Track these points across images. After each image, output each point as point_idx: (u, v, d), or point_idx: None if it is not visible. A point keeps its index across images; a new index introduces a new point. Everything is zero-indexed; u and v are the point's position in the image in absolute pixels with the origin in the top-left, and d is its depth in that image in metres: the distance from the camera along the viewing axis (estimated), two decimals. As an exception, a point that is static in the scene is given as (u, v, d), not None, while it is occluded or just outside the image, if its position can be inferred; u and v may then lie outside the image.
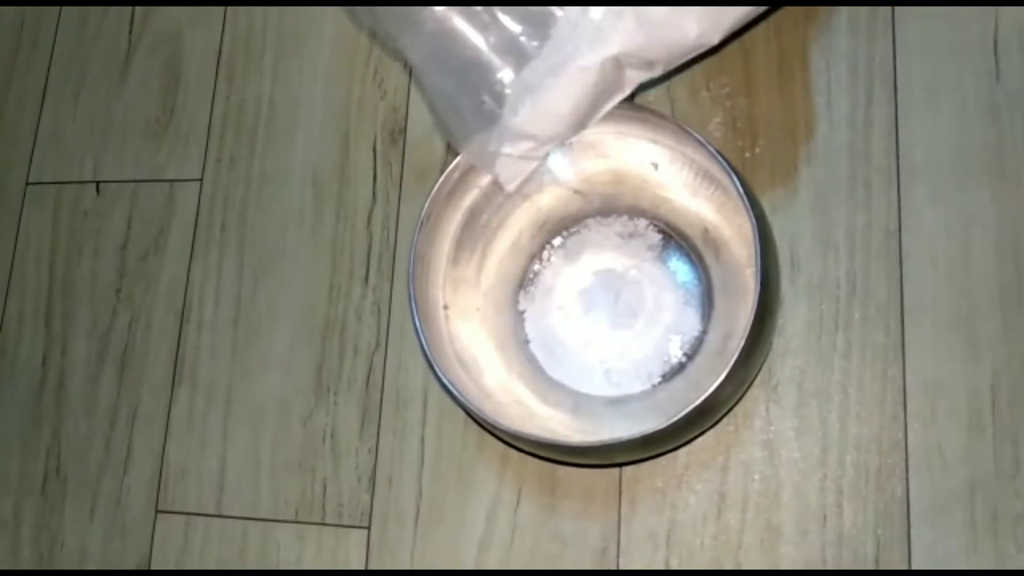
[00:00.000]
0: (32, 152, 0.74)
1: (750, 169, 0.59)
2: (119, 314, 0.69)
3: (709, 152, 0.50)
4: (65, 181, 0.73)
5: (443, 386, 0.53)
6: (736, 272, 0.55)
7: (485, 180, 0.57)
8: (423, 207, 0.55)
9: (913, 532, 0.53)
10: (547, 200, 0.59)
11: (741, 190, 0.49)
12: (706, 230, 0.57)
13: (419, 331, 0.52)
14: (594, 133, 0.56)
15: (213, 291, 0.67)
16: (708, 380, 0.48)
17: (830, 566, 0.53)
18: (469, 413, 0.52)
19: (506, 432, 0.51)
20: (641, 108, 0.52)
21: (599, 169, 0.58)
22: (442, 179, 0.55)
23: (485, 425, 0.52)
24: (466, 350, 0.57)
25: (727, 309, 0.56)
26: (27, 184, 0.73)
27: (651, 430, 0.47)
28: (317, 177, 0.67)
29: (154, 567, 0.63)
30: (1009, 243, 0.55)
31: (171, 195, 0.70)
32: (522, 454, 0.58)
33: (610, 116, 0.54)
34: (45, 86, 0.75)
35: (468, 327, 0.58)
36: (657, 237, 0.59)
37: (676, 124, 0.51)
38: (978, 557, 0.52)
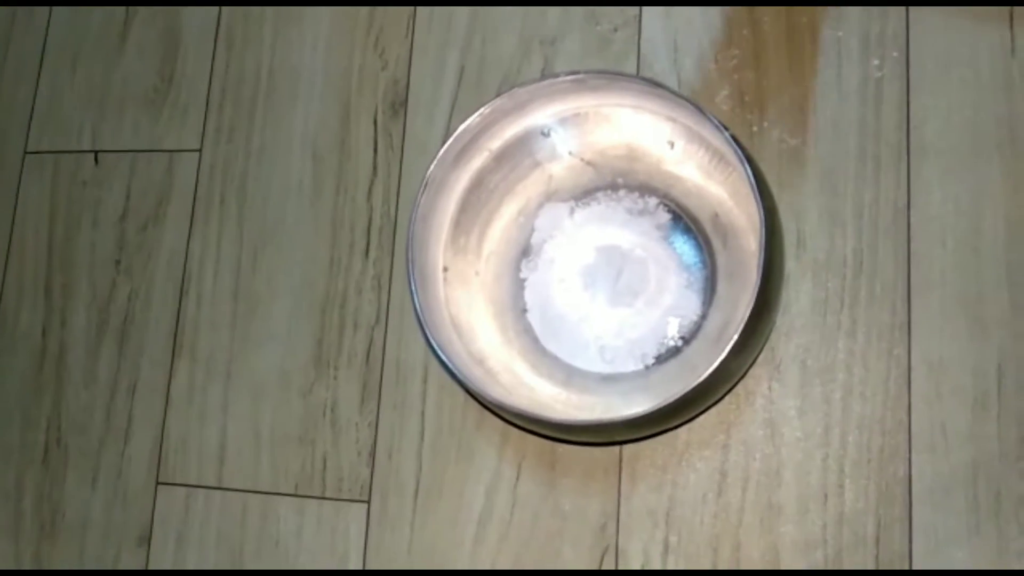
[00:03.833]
0: (30, 121, 0.73)
1: (757, 143, 0.58)
2: (119, 286, 0.68)
3: (725, 138, 0.49)
4: (63, 150, 0.72)
5: (432, 350, 0.52)
6: (742, 260, 0.54)
7: (496, 144, 0.56)
8: (428, 169, 0.54)
9: (915, 512, 0.53)
10: (558, 169, 0.58)
11: (753, 180, 0.48)
12: (716, 215, 0.56)
13: (414, 293, 0.52)
14: (611, 105, 0.55)
15: (213, 263, 0.67)
16: (702, 366, 0.47)
17: (830, 545, 0.53)
18: (456, 378, 0.51)
19: (492, 402, 0.50)
20: (660, 85, 0.51)
21: (614, 142, 0.57)
22: (450, 141, 0.54)
23: (472, 392, 0.52)
24: (462, 314, 0.56)
25: (729, 296, 0.55)
26: (25, 153, 0.73)
27: (636, 414, 0.47)
28: (317, 149, 0.66)
29: (155, 538, 0.64)
30: (1020, 221, 0.54)
31: (170, 166, 0.69)
32: (522, 430, 0.58)
33: (629, 90, 0.53)
34: (42, 54, 0.74)
35: (466, 291, 0.57)
36: (666, 217, 0.58)
37: (695, 105, 0.50)
38: (980, 538, 0.52)
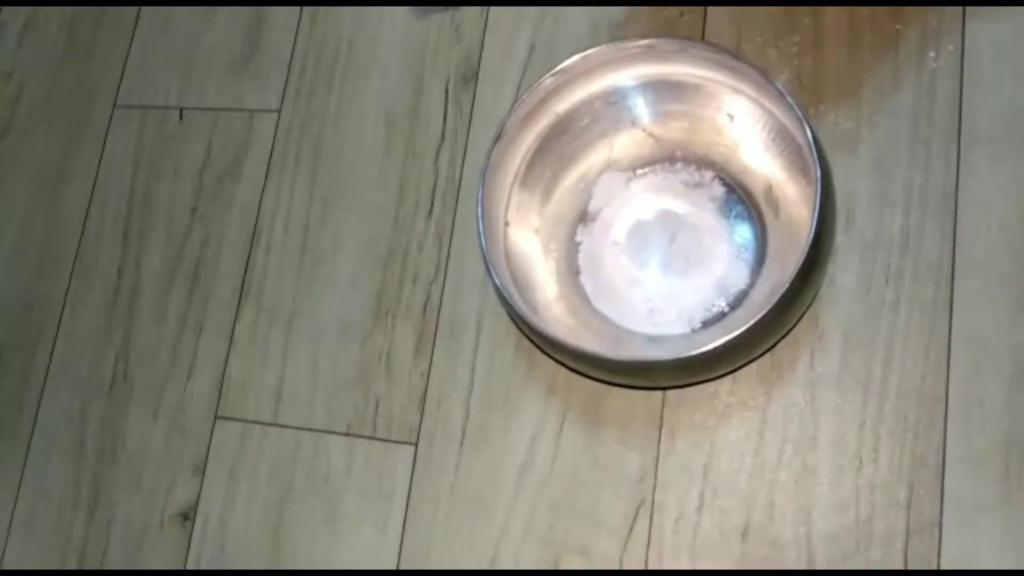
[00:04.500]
0: (122, 77, 0.78)
1: (814, 124, 0.60)
2: (193, 232, 0.72)
3: (787, 103, 0.52)
4: (151, 105, 0.77)
5: (496, 289, 0.55)
6: (793, 232, 0.56)
7: (563, 108, 0.59)
8: (502, 122, 0.57)
9: (947, 481, 0.54)
10: (621, 140, 0.61)
11: (811, 138, 0.50)
12: (770, 187, 0.58)
13: (480, 234, 0.54)
14: (677, 75, 0.58)
15: (284, 217, 0.71)
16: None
17: (862, 508, 0.55)
18: (513, 317, 0.53)
19: (547, 339, 0.52)
20: (728, 51, 0.54)
21: (676, 114, 0.60)
22: (524, 97, 0.57)
23: (527, 330, 0.54)
24: (519, 268, 0.59)
25: (777, 267, 0.57)
26: (115, 106, 0.77)
27: (683, 356, 0.49)
28: (390, 115, 0.70)
29: (210, 468, 0.67)
30: (1065, 211, 0.56)
31: (250, 124, 0.73)
32: (568, 381, 0.61)
33: (695, 58, 0.56)
34: (137, 17, 0.79)
35: (524, 246, 0.60)
36: (721, 190, 0.60)
37: (758, 70, 0.52)
38: (1010, 508, 0.53)
